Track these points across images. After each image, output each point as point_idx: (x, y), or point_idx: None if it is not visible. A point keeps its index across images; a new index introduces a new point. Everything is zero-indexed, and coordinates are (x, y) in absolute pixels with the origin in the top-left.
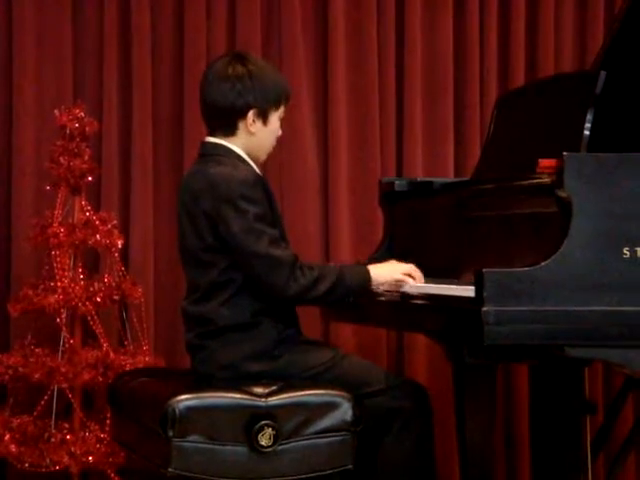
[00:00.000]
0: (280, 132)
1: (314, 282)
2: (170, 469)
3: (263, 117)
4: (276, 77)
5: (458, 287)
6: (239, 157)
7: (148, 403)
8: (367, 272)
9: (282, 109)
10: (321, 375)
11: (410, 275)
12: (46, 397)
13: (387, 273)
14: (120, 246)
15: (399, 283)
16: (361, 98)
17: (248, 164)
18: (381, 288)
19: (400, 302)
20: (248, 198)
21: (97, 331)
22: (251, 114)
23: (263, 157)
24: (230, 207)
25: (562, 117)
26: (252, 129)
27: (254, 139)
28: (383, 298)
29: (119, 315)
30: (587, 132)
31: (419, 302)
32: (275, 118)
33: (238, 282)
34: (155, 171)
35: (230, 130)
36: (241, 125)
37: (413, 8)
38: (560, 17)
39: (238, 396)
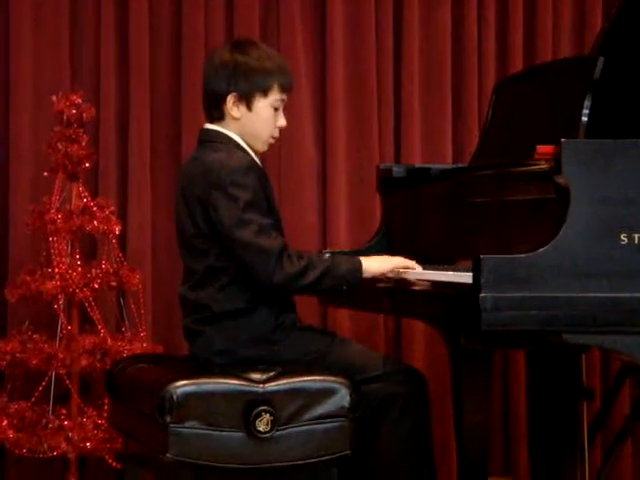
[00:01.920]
0: (283, 122)
1: (301, 271)
2: (168, 455)
3: (246, 102)
4: (268, 65)
5: (456, 273)
6: (236, 143)
7: (145, 389)
8: (359, 262)
9: (274, 98)
10: (318, 360)
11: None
12: (44, 383)
13: (379, 265)
14: (118, 232)
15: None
16: (359, 86)
17: (245, 151)
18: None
19: (398, 288)
20: (239, 184)
21: (95, 317)
22: (230, 98)
23: (260, 146)
24: (220, 193)
25: (560, 103)
26: (235, 114)
27: (242, 124)
28: (381, 284)
29: (117, 301)
30: (585, 118)
31: (417, 288)
32: (263, 105)
33: (233, 269)
34: (152, 157)
35: (218, 115)
36: (225, 109)
37: None
38: (558, 2)
39: (236, 382)
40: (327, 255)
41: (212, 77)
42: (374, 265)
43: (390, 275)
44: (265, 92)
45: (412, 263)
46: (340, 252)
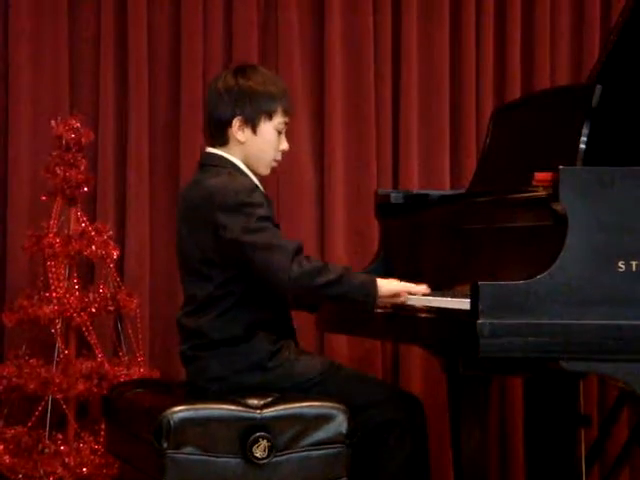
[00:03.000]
0: (286, 146)
1: (318, 269)
2: None
3: (252, 125)
4: (272, 89)
5: (454, 299)
6: (237, 168)
7: (143, 414)
8: (374, 278)
9: (278, 121)
10: (315, 387)
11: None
12: (40, 408)
13: (393, 285)
14: (115, 257)
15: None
16: (357, 110)
17: (246, 175)
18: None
19: (395, 314)
20: (247, 204)
21: (92, 342)
22: (236, 121)
23: (263, 170)
24: (229, 213)
25: (558, 130)
26: (240, 137)
27: (247, 148)
28: (379, 310)
29: (114, 326)
30: (583, 145)
31: (414, 314)
32: (268, 128)
33: (235, 295)
34: (151, 182)
35: (222, 139)
36: (230, 134)
37: (409, 20)
38: (556, 30)
39: (233, 408)
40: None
41: (216, 102)
42: (387, 284)
43: (392, 301)
44: (270, 115)
45: (423, 288)
46: None
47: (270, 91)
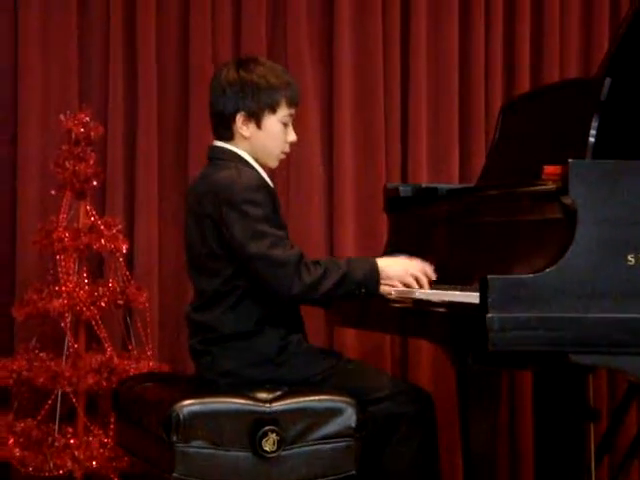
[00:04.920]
0: (293, 137)
1: (319, 279)
2: (174, 474)
3: (256, 120)
4: (274, 82)
5: (462, 293)
6: (245, 161)
7: (152, 408)
8: (375, 264)
9: (283, 114)
10: (324, 382)
11: (418, 279)
12: (50, 401)
13: (397, 268)
14: (125, 251)
15: (407, 286)
16: (366, 104)
17: (254, 168)
18: (393, 293)
19: (404, 308)
20: (251, 202)
21: (101, 336)
22: (239, 117)
23: (271, 162)
24: (233, 211)
25: (567, 124)
26: (244, 132)
27: (253, 143)
28: (390, 304)
29: (123, 320)
30: (592, 139)
31: (423, 308)
32: (272, 122)
33: (242, 289)
34: (160, 176)
35: (228, 134)
36: (234, 129)
37: (419, 13)
38: (565, 23)
39: (242, 401)
40: (343, 259)
41: (219, 97)
42: (392, 267)
43: (400, 295)
44: (273, 109)
45: (429, 267)
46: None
47: (271, 83)
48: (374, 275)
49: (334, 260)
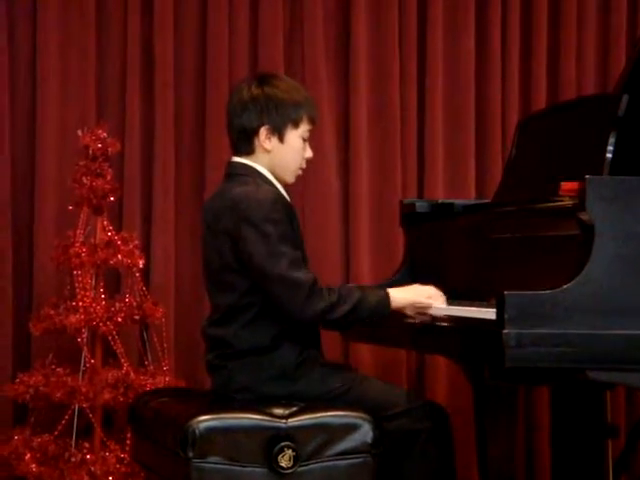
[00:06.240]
0: (310, 153)
1: (332, 305)
2: None
3: (278, 134)
4: (297, 97)
5: (479, 309)
6: (263, 177)
7: (168, 423)
8: (387, 296)
9: (304, 129)
10: (340, 398)
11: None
12: (67, 416)
13: (408, 297)
14: (141, 266)
15: (421, 309)
16: (383, 119)
17: (272, 184)
18: (408, 313)
19: (421, 323)
20: (269, 219)
21: (118, 351)
22: (263, 130)
23: (289, 178)
24: (251, 228)
25: (584, 140)
26: (267, 146)
27: (273, 157)
28: (405, 319)
29: (140, 335)
30: (609, 155)
31: (440, 324)
32: (294, 136)
33: (258, 305)
34: (177, 191)
35: (249, 149)
36: (257, 143)
37: (435, 29)
38: (582, 39)
39: (258, 417)
40: (355, 287)
41: (242, 112)
42: (402, 297)
43: (410, 313)
44: (296, 123)
45: (440, 294)
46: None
47: (296, 99)
48: (386, 304)
49: (347, 288)
